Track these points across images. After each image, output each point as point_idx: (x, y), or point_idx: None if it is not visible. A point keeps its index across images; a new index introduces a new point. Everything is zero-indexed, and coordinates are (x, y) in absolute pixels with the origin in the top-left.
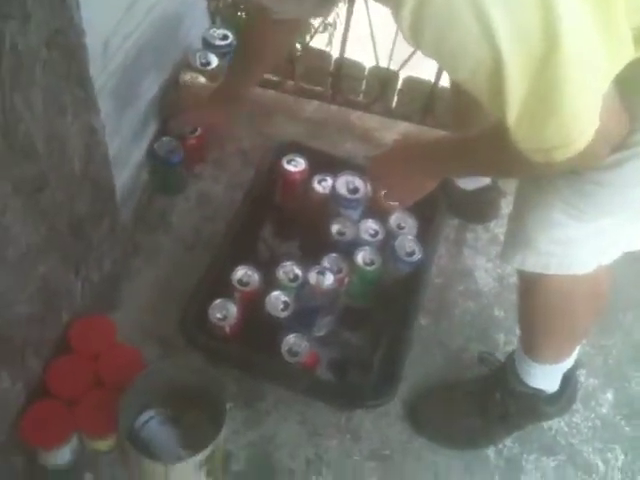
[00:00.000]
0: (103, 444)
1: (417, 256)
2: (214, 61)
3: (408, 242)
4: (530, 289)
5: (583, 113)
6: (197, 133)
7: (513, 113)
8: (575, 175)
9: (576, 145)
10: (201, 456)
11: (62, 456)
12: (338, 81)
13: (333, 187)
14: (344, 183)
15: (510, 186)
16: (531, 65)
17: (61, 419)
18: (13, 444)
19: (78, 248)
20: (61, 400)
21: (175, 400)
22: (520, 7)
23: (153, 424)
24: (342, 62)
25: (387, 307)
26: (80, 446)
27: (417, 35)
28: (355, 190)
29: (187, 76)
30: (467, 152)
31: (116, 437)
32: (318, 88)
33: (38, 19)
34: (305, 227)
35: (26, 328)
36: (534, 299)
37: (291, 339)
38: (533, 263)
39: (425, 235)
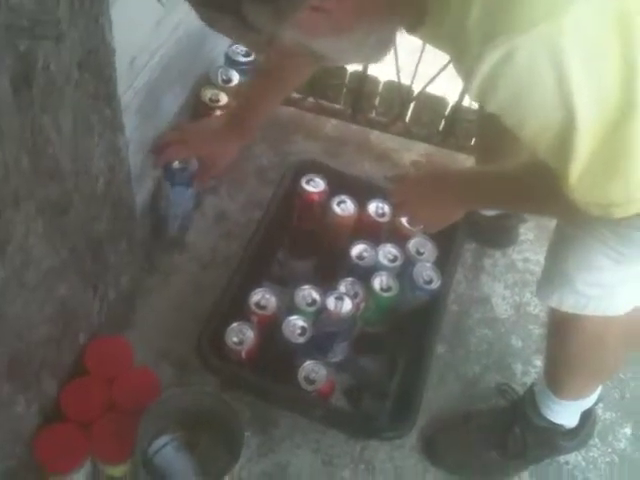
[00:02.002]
0: (117, 469)
1: (435, 284)
2: (235, 78)
3: (426, 270)
4: (563, 327)
5: None
6: None
7: (576, 171)
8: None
9: (638, 203)
10: None
11: None
12: (358, 99)
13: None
14: (374, 209)
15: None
16: (604, 129)
17: (76, 443)
18: (27, 468)
19: (96, 268)
20: (76, 423)
21: (190, 424)
22: (602, 73)
23: (168, 450)
24: (363, 79)
25: (403, 333)
26: (94, 471)
27: (487, 94)
28: (383, 215)
29: (208, 93)
30: (509, 190)
31: (130, 463)
32: (337, 106)
33: (72, 40)
34: (322, 249)
35: (43, 351)
36: (566, 338)
37: (308, 366)
38: (571, 304)
39: (444, 261)
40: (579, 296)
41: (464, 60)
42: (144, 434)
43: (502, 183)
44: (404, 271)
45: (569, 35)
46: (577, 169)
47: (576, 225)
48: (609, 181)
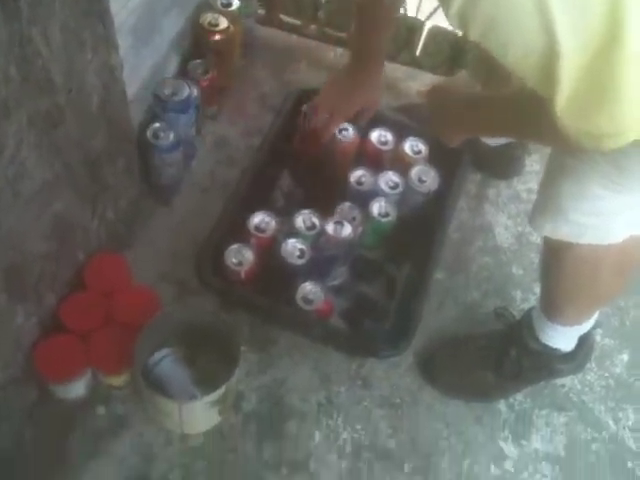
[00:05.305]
0: (117, 379)
1: (432, 184)
2: (235, 2)
3: (424, 171)
4: (557, 256)
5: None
6: (209, 75)
7: (562, 98)
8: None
9: (630, 134)
10: (214, 396)
11: (76, 390)
12: None
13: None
14: (377, 137)
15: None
16: (589, 57)
17: (75, 353)
18: (28, 378)
19: (94, 186)
20: (75, 335)
21: (189, 340)
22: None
23: (167, 362)
24: None
25: (403, 259)
26: (94, 381)
27: (466, 19)
28: (385, 143)
29: (207, 17)
30: (509, 114)
31: (130, 373)
32: (342, 34)
33: None
34: (322, 175)
35: (42, 264)
36: (561, 265)
37: (306, 287)
38: (566, 233)
39: (446, 189)
40: (573, 225)
41: None
42: (143, 346)
43: (502, 107)
44: (403, 198)
45: None
46: (562, 97)
47: (574, 156)
48: (596, 110)
